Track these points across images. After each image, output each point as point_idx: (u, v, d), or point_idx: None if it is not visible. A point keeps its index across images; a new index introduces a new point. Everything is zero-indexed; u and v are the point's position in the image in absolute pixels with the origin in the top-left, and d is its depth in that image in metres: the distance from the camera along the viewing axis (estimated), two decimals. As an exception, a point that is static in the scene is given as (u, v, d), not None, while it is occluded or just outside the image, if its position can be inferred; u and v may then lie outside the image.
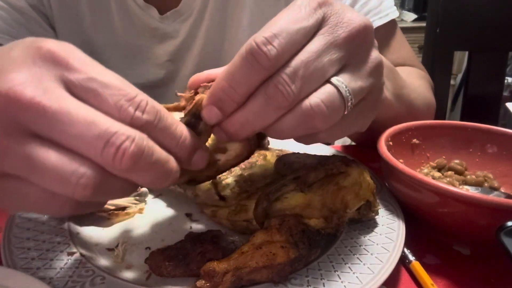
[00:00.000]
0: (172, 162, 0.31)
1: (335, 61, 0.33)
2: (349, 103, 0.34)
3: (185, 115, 0.35)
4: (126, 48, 0.75)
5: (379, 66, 0.37)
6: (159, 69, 0.77)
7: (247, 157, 0.40)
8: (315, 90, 0.33)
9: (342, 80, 0.34)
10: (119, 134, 0.27)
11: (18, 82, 0.27)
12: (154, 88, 0.78)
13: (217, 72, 0.36)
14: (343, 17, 0.34)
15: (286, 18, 0.33)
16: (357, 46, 0.35)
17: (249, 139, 0.39)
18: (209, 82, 0.35)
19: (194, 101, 0.34)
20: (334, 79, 0.34)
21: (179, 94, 0.37)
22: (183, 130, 0.32)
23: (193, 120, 0.34)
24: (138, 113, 0.29)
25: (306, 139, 0.37)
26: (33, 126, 0.27)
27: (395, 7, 0.74)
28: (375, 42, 0.38)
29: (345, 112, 0.34)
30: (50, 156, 0.27)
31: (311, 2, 0.34)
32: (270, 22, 0.33)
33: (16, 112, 0.27)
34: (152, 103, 0.30)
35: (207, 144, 0.37)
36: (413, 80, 0.69)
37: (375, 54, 0.37)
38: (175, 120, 0.32)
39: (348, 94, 0.34)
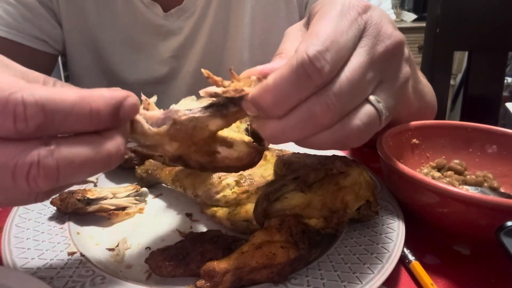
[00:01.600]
0: (103, 147, 0.27)
1: (374, 78, 0.33)
2: (384, 121, 0.34)
3: (224, 93, 0.33)
4: (130, 44, 0.76)
5: (407, 81, 0.37)
6: (162, 65, 0.78)
7: (247, 166, 0.37)
8: (355, 109, 0.32)
9: (380, 100, 0.33)
10: (19, 166, 0.24)
11: None
12: (157, 84, 0.79)
13: (269, 69, 0.33)
14: (380, 29, 0.33)
15: (331, 27, 0.31)
16: (390, 62, 0.34)
17: (258, 150, 0.37)
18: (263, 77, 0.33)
19: (244, 93, 0.32)
20: (373, 99, 0.33)
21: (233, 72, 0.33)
22: (90, 102, 0.27)
23: (227, 103, 0.33)
24: (20, 125, 0.24)
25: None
26: None
27: (392, 10, 0.75)
28: (406, 54, 0.37)
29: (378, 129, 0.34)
30: None
31: (351, 9, 0.32)
32: (313, 29, 0.31)
33: None
34: (31, 99, 0.24)
35: (220, 132, 0.35)
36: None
37: (405, 69, 0.36)
38: (73, 96, 0.26)
39: (384, 114, 0.33)
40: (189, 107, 0.35)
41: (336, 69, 0.30)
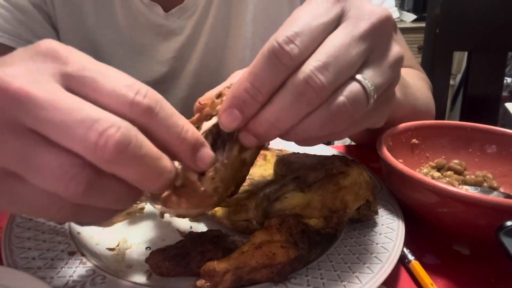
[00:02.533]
0: (166, 161, 0.29)
1: (360, 55, 0.33)
2: (371, 100, 0.33)
3: (211, 129, 0.34)
4: (130, 45, 0.75)
5: (399, 61, 0.36)
6: (163, 66, 0.77)
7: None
8: (341, 87, 0.32)
9: (367, 77, 0.33)
10: (103, 121, 0.26)
11: (10, 74, 0.27)
12: (157, 85, 0.78)
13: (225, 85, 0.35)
14: (363, 9, 0.34)
15: (305, 15, 0.32)
16: (379, 38, 0.34)
17: None
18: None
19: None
20: (359, 76, 0.33)
21: (202, 102, 0.35)
22: (185, 123, 0.30)
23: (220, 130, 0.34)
24: (138, 97, 0.27)
25: (315, 141, 0.36)
26: (25, 119, 0.26)
27: (395, 8, 0.74)
28: (395, 34, 0.37)
29: (366, 110, 0.34)
30: (43, 153, 0.26)
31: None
32: (288, 20, 0.32)
33: (6, 103, 0.26)
34: (152, 91, 0.29)
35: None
36: (415, 80, 0.69)
37: (396, 48, 0.36)
38: (176, 111, 0.30)
39: (372, 92, 0.33)
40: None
41: (309, 50, 0.31)
